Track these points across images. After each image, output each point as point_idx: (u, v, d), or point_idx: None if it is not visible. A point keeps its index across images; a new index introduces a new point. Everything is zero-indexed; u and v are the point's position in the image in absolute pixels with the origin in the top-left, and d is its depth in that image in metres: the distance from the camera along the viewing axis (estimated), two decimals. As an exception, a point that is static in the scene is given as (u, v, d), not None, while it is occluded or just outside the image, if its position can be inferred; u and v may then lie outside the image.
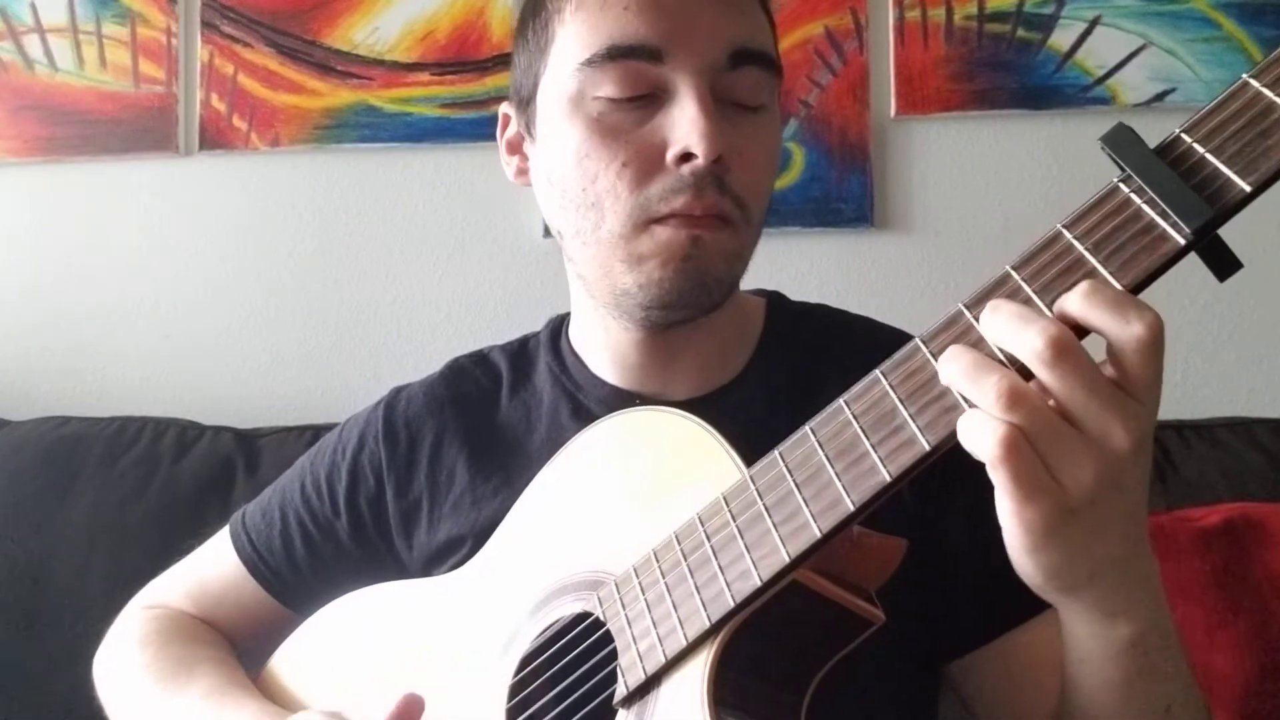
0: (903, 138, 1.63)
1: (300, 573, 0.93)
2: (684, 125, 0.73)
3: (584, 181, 0.77)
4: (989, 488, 0.80)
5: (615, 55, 0.75)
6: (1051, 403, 0.51)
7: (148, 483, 1.40)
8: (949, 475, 0.77)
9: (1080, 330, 0.51)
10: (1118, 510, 0.53)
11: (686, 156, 0.74)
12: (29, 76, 1.71)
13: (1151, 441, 0.53)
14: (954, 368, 0.52)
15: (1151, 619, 0.60)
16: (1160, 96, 1.57)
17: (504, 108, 0.88)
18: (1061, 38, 1.60)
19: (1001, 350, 0.52)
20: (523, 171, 0.86)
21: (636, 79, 0.75)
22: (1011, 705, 0.78)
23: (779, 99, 0.82)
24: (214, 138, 1.69)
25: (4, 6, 1.72)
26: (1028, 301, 0.53)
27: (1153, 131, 0.52)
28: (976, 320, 0.53)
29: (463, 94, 1.66)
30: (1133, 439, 0.50)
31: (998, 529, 0.79)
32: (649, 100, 0.76)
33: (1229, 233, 0.50)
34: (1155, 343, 0.50)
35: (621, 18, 0.75)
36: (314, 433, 1.41)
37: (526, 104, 0.83)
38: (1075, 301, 0.51)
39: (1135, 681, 0.62)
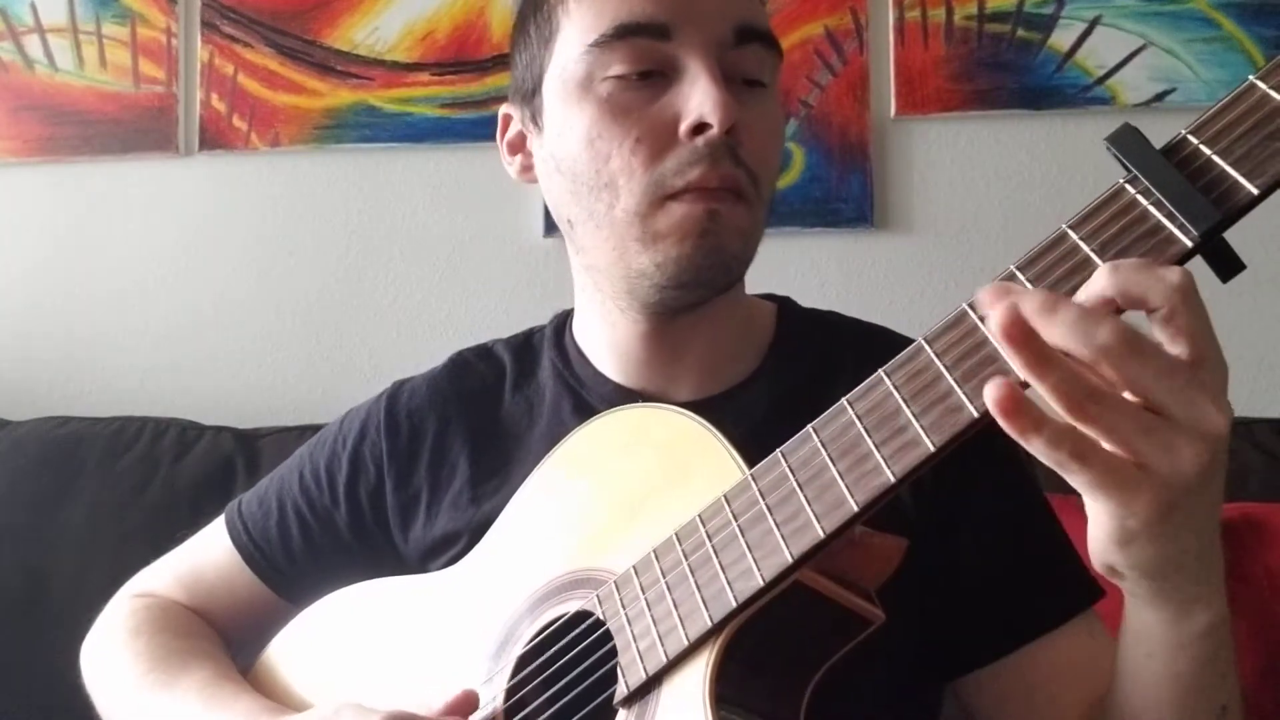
0: (903, 138, 1.63)
1: (297, 563, 0.92)
2: (697, 97, 0.74)
3: (597, 163, 0.77)
4: (1013, 500, 0.80)
5: (624, 34, 0.75)
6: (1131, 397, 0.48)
7: (148, 483, 1.41)
8: (961, 483, 0.77)
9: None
10: (1210, 497, 0.51)
11: (700, 128, 0.74)
12: (29, 76, 1.72)
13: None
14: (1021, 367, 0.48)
15: (1223, 606, 0.59)
16: (1160, 96, 1.58)
17: (503, 109, 0.88)
18: (1061, 38, 1.60)
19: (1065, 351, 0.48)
20: (527, 168, 0.86)
21: (645, 56, 0.76)
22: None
23: (779, 81, 0.82)
24: (214, 138, 1.69)
25: (4, 6, 1.72)
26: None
27: (1153, 131, 0.52)
28: (981, 321, 0.53)
29: (463, 94, 1.66)
30: (1226, 414, 0.48)
31: (1020, 542, 0.79)
32: (658, 78, 0.76)
33: (1228, 232, 0.50)
34: (1194, 287, 0.48)
35: None
36: (313, 433, 1.39)
37: (530, 97, 0.83)
38: (1104, 279, 0.49)
39: (1202, 674, 0.61)
